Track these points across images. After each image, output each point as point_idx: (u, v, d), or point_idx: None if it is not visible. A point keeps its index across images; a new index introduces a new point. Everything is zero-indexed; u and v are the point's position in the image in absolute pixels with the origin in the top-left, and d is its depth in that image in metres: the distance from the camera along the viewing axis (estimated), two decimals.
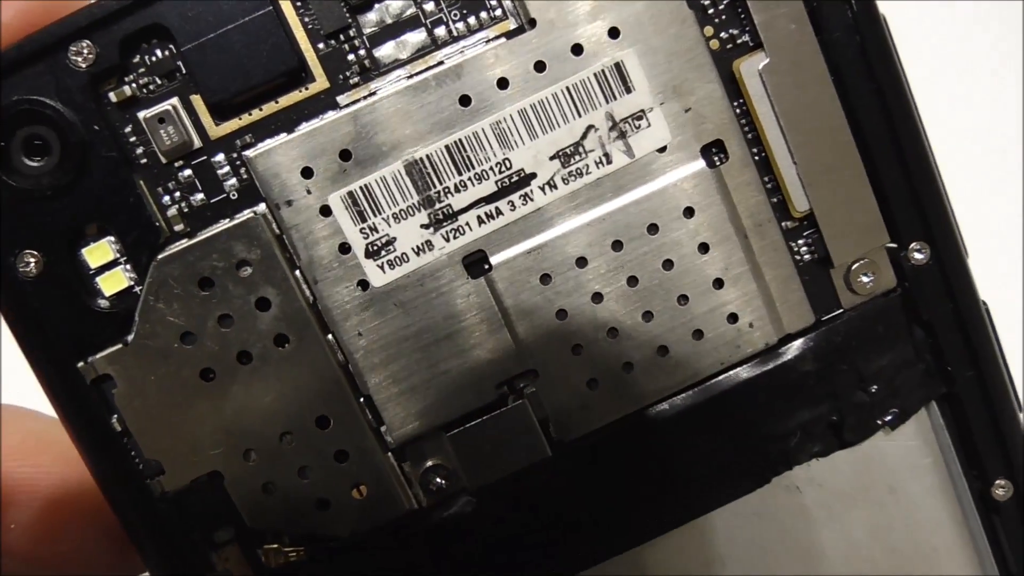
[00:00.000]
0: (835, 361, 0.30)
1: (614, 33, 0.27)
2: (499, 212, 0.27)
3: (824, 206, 0.29)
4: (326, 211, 0.27)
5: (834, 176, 0.28)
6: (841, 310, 0.30)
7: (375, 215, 0.27)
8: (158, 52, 0.26)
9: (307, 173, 0.27)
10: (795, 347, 0.29)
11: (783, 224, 0.29)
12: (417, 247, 0.27)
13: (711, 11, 0.28)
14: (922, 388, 0.30)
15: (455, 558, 0.29)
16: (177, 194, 0.27)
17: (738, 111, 0.28)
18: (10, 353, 0.27)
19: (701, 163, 0.28)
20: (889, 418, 0.30)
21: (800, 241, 0.29)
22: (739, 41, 0.28)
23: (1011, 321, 0.34)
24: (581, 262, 0.28)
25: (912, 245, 0.29)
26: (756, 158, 0.29)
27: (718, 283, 0.28)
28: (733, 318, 0.29)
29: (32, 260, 0.26)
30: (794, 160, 0.28)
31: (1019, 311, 0.33)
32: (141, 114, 0.26)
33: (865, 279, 0.29)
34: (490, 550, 0.29)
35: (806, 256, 0.29)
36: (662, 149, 0.28)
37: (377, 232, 0.27)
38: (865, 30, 0.28)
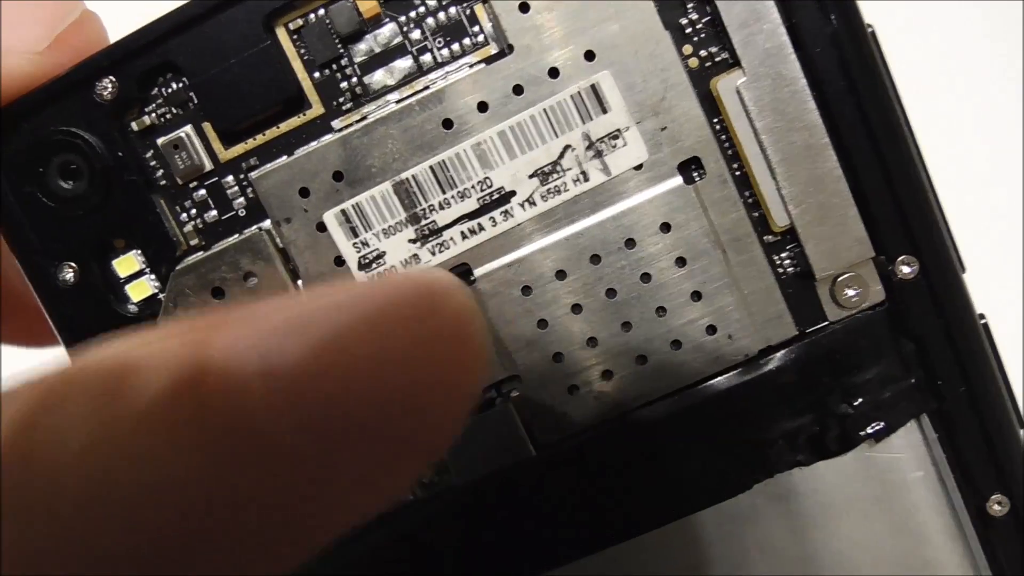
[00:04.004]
0: (818, 373, 0.30)
1: (590, 56, 0.28)
2: (481, 228, 0.29)
3: (804, 221, 0.29)
4: (321, 227, 0.29)
5: (814, 191, 0.28)
6: (826, 323, 0.30)
7: (366, 231, 0.29)
8: (172, 85, 0.29)
9: (304, 193, 0.29)
10: (776, 359, 0.30)
11: (764, 238, 0.29)
12: (405, 260, 0.29)
13: (689, 30, 0.28)
14: (911, 403, 0.30)
15: (445, 549, 0.31)
16: (193, 212, 0.30)
17: (717, 128, 0.29)
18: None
19: (678, 180, 0.29)
20: (873, 431, 0.30)
21: (783, 255, 0.30)
22: (718, 59, 0.29)
23: (1017, 333, 0.32)
24: (560, 275, 0.29)
25: (900, 259, 0.29)
26: (736, 174, 0.29)
27: (696, 295, 0.29)
28: (712, 329, 0.29)
29: (70, 271, 0.30)
30: (773, 176, 0.29)
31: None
32: (159, 141, 0.29)
33: (851, 292, 0.29)
34: (478, 542, 0.31)
35: (789, 269, 0.30)
36: (639, 167, 0.29)
37: (368, 247, 0.29)
38: (846, 45, 0.28)
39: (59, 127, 0.29)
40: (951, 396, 0.30)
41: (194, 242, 0.30)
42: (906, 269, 0.29)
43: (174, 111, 0.29)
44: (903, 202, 0.28)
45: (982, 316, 0.30)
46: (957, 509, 0.31)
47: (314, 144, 0.29)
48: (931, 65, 0.49)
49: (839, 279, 0.29)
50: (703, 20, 0.28)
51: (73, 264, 0.30)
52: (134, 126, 0.29)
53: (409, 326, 0.15)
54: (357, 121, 0.29)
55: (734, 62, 0.28)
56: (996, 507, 0.31)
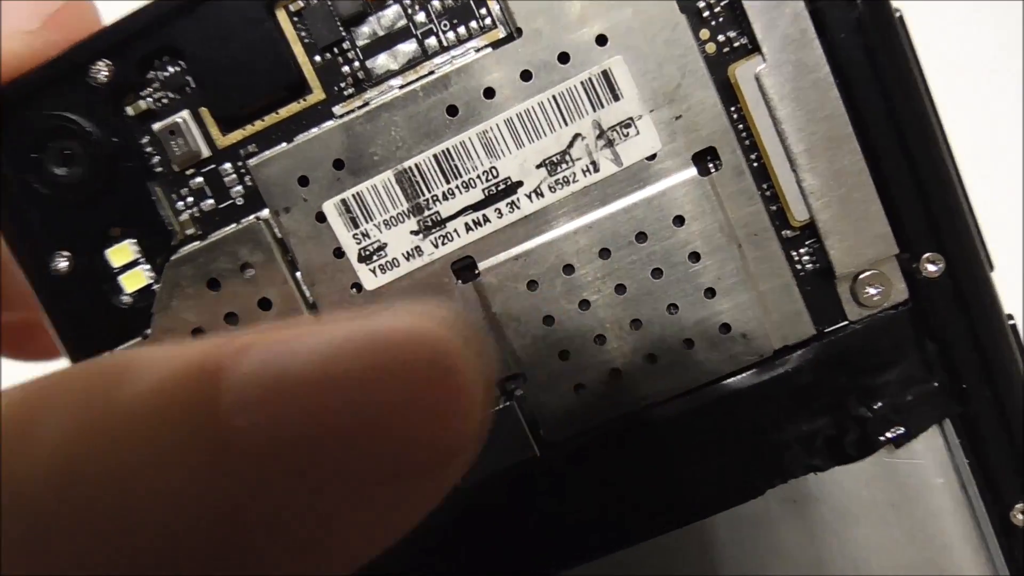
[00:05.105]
0: (836, 374, 0.29)
1: (602, 40, 0.27)
2: (486, 219, 0.28)
3: (825, 215, 0.27)
4: (321, 217, 0.28)
5: (836, 184, 0.27)
6: (845, 322, 0.29)
7: (367, 221, 0.28)
8: (169, 68, 0.28)
9: (303, 181, 0.28)
10: (793, 359, 0.29)
11: (782, 233, 0.28)
12: (407, 253, 0.28)
13: (707, 14, 0.27)
14: (934, 406, 0.29)
15: (445, 551, 0.30)
16: (190, 200, 0.29)
17: (734, 117, 0.27)
18: None
19: (692, 171, 0.27)
20: (894, 435, 0.29)
21: (802, 251, 0.28)
22: (736, 44, 0.27)
23: None
24: (568, 269, 0.28)
25: (924, 256, 0.28)
26: (753, 165, 0.28)
27: (710, 292, 0.28)
28: (725, 328, 0.28)
29: (64, 260, 0.29)
30: (793, 168, 0.27)
31: None
32: (155, 126, 0.28)
33: (872, 291, 0.28)
34: (479, 544, 0.30)
35: (807, 266, 0.28)
36: (651, 157, 0.27)
37: (369, 238, 0.28)
38: (873, 29, 0.26)
39: (53, 112, 0.28)
40: (976, 400, 0.28)
41: (190, 231, 0.29)
42: (931, 267, 0.28)
43: (171, 96, 0.28)
44: (931, 197, 0.27)
45: (1010, 317, 0.29)
46: (979, 517, 0.30)
47: (314, 131, 0.28)
48: (959, 53, 0.47)
49: (860, 277, 0.28)
50: (721, 3, 0.27)
51: (67, 253, 0.29)
52: (130, 111, 0.28)
53: (408, 383, 0.15)
54: (359, 107, 0.28)
55: (753, 48, 0.27)
56: (1020, 516, 0.29)
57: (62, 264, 0.29)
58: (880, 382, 0.29)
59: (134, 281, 0.29)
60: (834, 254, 0.28)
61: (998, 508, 0.29)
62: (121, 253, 0.29)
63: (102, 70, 0.28)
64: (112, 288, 0.29)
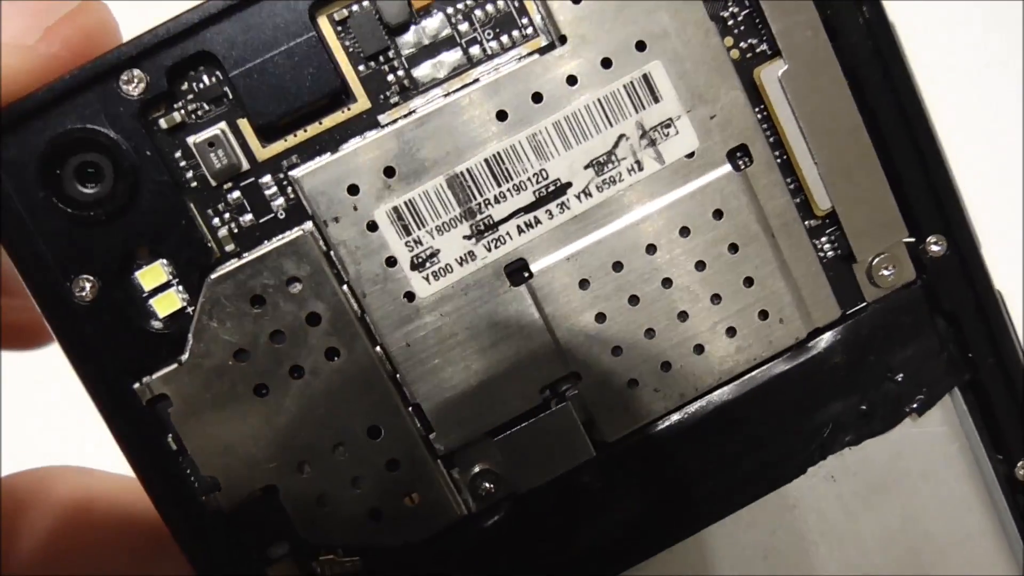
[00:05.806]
0: (863, 352, 0.31)
1: (641, 46, 0.28)
2: (538, 221, 0.28)
3: (845, 204, 0.30)
4: (372, 226, 0.28)
5: (853, 175, 0.30)
6: (865, 303, 0.31)
7: (419, 228, 0.28)
8: (205, 78, 0.27)
9: (353, 190, 0.27)
10: (824, 340, 0.31)
11: (807, 223, 0.30)
12: (460, 258, 0.28)
13: (731, 22, 0.29)
14: (946, 375, 0.31)
15: (506, 561, 0.30)
16: (227, 215, 0.28)
17: (760, 116, 0.30)
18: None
19: (727, 167, 0.29)
20: (916, 405, 0.31)
21: (823, 239, 0.31)
22: (758, 50, 0.29)
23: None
24: (617, 266, 0.29)
25: (929, 238, 0.31)
26: (779, 161, 0.30)
27: (748, 281, 0.30)
28: (764, 315, 0.30)
29: (87, 285, 0.27)
30: (815, 161, 0.30)
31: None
32: (190, 139, 0.27)
33: (886, 272, 0.31)
34: (540, 550, 0.30)
35: (829, 253, 0.31)
36: (690, 155, 0.29)
37: (422, 245, 0.28)
38: (878, 35, 0.29)
39: (78, 124, 0.26)
40: (982, 367, 0.31)
41: (229, 248, 0.28)
42: (936, 248, 0.31)
43: (207, 107, 0.27)
44: (934, 183, 0.30)
45: (998, 291, 0.32)
46: (987, 478, 0.33)
47: (364, 139, 0.28)
48: (960, 53, 0.51)
49: (875, 260, 0.31)
50: (743, 13, 0.29)
51: (91, 277, 0.27)
52: (163, 123, 0.27)
53: None
54: (406, 115, 0.28)
55: (773, 52, 0.29)
56: (1023, 472, 0.32)
57: (85, 290, 0.27)
58: (900, 357, 0.31)
59: (167, 304, 0.27)
60: (854, 240, 0.30)
61: (1004, 467, 0.32)
62: (153, 274, 0.27)
63: (134, 81, 0.26)
64: (142, 313, 0.27)
